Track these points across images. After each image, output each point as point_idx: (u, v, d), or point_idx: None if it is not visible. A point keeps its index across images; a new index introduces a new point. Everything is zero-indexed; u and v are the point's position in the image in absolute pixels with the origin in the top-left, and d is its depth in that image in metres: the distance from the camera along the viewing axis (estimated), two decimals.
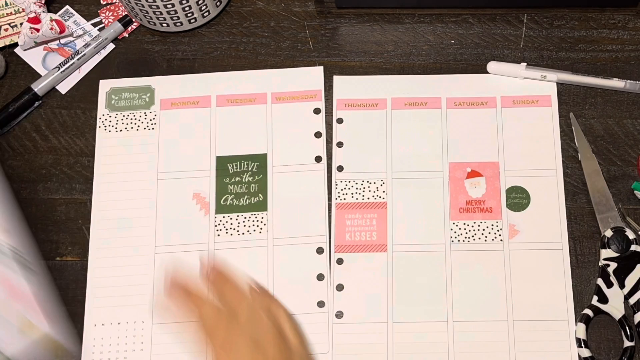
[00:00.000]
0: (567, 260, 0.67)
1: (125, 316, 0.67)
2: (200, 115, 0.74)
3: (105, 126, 0.74)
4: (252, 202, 0.70)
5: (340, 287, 0.67)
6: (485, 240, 0.68)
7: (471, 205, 0.69)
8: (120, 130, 0.73)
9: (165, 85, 0.75)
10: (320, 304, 0.67)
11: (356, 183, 0.71)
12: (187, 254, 0.69)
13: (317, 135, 0.72)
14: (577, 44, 0.75)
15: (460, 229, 0.69)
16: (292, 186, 0.71)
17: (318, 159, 0.72)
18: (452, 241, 0.68)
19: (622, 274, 0.65)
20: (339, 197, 0.70)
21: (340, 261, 0.68)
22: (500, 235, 0.68)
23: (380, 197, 0.70)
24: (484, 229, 0.69)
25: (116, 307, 0.68)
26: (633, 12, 0.76)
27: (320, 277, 0.68)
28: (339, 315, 0.66)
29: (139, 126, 0.73)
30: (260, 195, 0.71)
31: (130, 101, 0.74)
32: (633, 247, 0.66)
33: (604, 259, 0.66)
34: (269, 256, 0.69)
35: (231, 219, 0.70)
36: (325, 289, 0.67)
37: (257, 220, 0.70)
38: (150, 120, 0.74)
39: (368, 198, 0.70)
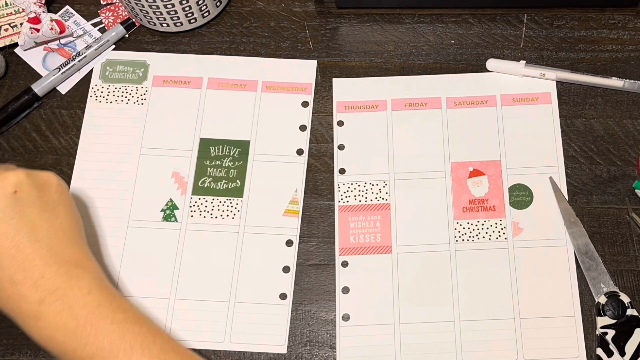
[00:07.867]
0: (571, 256, 0.67)
1: None
2: (190, 95, 0.74)
3: (96, 96, 0.74)
4: (229, 187, 0.71)
5: (346, 290, 0.67)
6: (490, 239, 0.68)
7: (474, 204, 0.70)
8: (111, 102, 0.74)
9: (159, 62, 0.75)
10: (283, 296, 0.67)
11: (358, 185, 0.70)
12: (159, 231, 0.69)
13: (302, 128, 0.73)
14: (577, 44, 0.75)
15: (464, 228, 0.69)
16: (270, 176, 0.71)
17: (300, 151, 0.72)
18: (457, 241, 0.68)
19: (621, 341, 0.63)
20: (341, 199, 0.70)
21: (345, 264, 0.68)
22: (504, 233, 0.68)
23: (383, 198, 0.70)
24: (487, 228, 0.69)
25: None
26: (633, 12, 0.76)
27: (285, 269, 0.68)
28: (346, 318, 0.66)
29: (129, 100, 0.74)
30: (238, 181, 0.71)
31: (123, 74, 0.75)
32: (629, 312, 0.64)
33: (601, 327, 0.64)
34: (239, 243, 0.69)
35: (206, 201, 0.70)
36: (290, 282, 0.67)
37: (232, 206, 0.70)
38: (141, 95, 0.74)
39: (371, 200, 0.70)
